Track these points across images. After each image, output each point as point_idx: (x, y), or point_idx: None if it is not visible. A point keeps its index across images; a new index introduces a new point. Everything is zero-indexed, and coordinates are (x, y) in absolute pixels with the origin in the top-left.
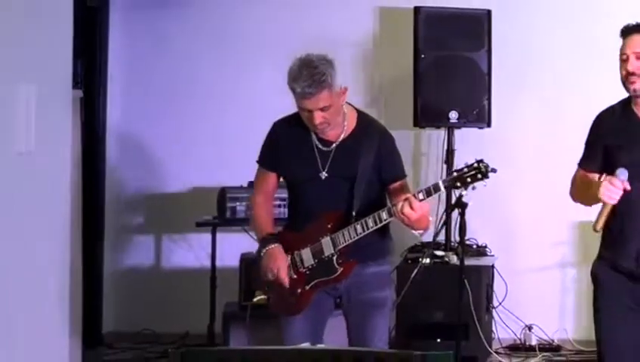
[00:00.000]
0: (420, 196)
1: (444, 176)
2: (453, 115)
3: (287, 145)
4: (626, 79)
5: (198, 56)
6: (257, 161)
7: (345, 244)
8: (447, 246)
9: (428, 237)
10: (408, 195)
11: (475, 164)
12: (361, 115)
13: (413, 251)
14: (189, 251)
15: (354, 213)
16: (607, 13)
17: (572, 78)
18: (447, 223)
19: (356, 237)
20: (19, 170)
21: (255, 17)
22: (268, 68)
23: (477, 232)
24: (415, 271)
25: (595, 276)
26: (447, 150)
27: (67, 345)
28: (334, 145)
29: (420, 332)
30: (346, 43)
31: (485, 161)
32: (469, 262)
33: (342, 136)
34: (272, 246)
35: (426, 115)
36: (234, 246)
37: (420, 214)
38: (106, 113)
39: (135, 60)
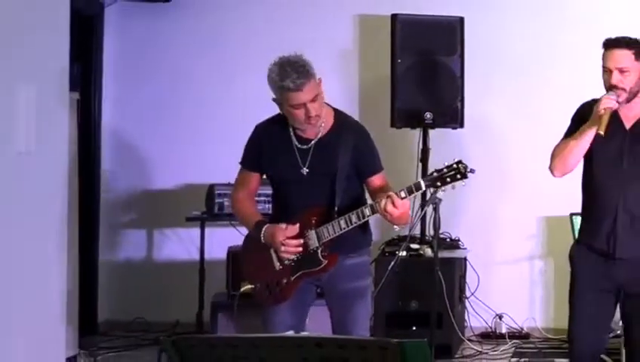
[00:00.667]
0: (402, 194)
1: (419, 174)
2: (428, 116)
3: (269, 145)
4: (610, 89)
5: (188, 61)
6: (240, 163)
7: (329, 238)
8: (422, 240)
9: (404, 231)
10: (390, 193)
11: (455, 165)
12: (338, 113)
13: (390, 244)
14: (179, 244)
15: (336, 208)
16: (572, 20)
17: (540, 81)
18: (422, 218)
19: (340, 232)
20: (19, 168)
21: (242, 26)
22: (255, 73)
23: (450, 226)
24: (392, 263)
25: (571, 258)
26: (423, 149)
27: (64, 332)
28: (312, 142)
29: (397, 320)
30: (328, 49)
31: (463, 161)
32: (443, 254)
33: (319, 134)
34: (267, 225)
35: (403, 116)
36: (221, 240)
37: (401, 211)
38: (100, 114)
39: (128, 64)
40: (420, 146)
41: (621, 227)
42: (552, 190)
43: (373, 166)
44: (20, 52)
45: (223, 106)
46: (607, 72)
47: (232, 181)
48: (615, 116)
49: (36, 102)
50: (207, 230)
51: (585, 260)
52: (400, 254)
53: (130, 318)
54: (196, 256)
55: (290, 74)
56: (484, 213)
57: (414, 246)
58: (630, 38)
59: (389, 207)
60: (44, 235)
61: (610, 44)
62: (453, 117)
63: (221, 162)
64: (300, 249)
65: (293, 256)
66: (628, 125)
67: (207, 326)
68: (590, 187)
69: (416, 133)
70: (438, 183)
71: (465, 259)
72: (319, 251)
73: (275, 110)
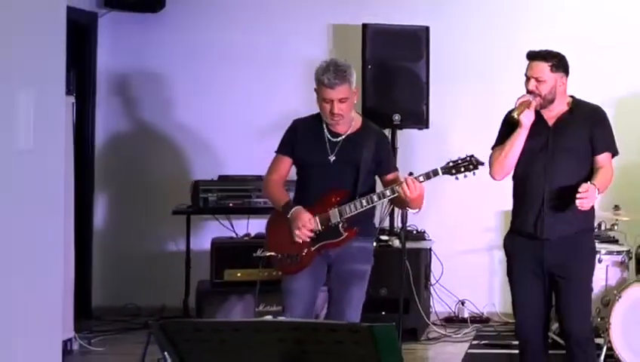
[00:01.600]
0: (421, 178)
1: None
2: (396, 118)
3: (304, 134)
4: (529, 93)
5: (173, 67)
6: (276, 151)
7: (350, 214)
8: (391, 232)
9: (375, 225)
10: (409, 176)
11: (468, 158)
12: (365, 120)
13: None
14: (167, 236)
15: (357, 195)
16: (528, 28)
17: (498, 85)
18: (391, 212)
19: (361, 209)
20: (20, 164)
21: (224, 35)
22: (236, 78)
23: (416, 220)
24: None
25: (505, 247)
26: (392, 148)
27: (61, 316)
28: (342, 137)
29: (367, 306)
30: (303, 56)
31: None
32: (410, 245)
33: (349, 132)
34: (296, 208)
35: (373, 118)
36: (206, 232)
37: (418, 193)
38: (94, 116)
39: (119, 70)
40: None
41: (547, 211)
42: (508, 187)
43: (391, 164)
44: (21, 59)
45: (206, 109)
46: (527, 80)
47: (215, 177)
48: (539, 116)
49: (35, 105)
50: (192, 223)
51: (516, 246)
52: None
53: (121, 304)
54: (182, 247)
55: (331, 72)
56: (447, 207)
57: (384, 237)
58: (549, 52)
59: (410, 186)
60: (43, 226)
61: (531, 56)
62: (419, 119)
63: (204, 161)
64: (308, 239)
65: (305, 238)
66: (550, 123)
67: (193, 311)
68: (521, 178)
69: (386, 133)
70: (454, 171)
71: (430, 249)
72: (340, 225)
73: (263, 112)
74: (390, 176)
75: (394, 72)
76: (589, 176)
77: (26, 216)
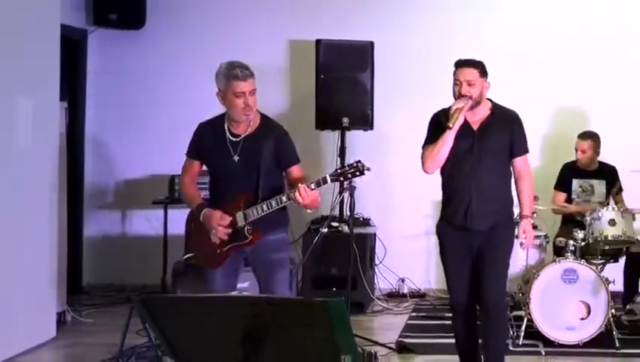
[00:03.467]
0: (312, 186)
1: (338, 166)
2: (345, 121)
3: (208, 138)
4: (459, 96)
5: (154, 75)
6: (186, 154)
7: (253, 218)
8: (340, 219)
9: (326, 212)
10: (302, 185)
11: (355, 164)
12: (264, 117)
13: (315, 223)
14: (147, 223)
15: (260, 195)
16: (460, 42)
17: (434, 92)
18: (340, 201)
19: (262, 213)
20: (20, 159)
21: (196, 48)
22: (205, 85)
23: (363, 208)
24: (316, 237)
25: (437, 232)
26: (341, 147)
27: (55, 292)
28: (242, 136)
29: (320, 283)
30: (266, 67)
31: (363, 160)
32: (357, 230)
33: (248, 131)
34: (206, 209)
35: (325, 121)
36: (181, 219)
37: (310, 199)
38: (84, 119)
39: (106, 80)
40: (339, 145)
41: (475, 206)
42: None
43: (290, 158)
44: (21, 70)
45: (181, 113)
46: (458, 84)
47: None
48: (464, 120)
49: (33, 109)
50: (169, 211)
51: (448, 233)
52: (323, 230)
53: (108, 281)
54: (161, 232)
55: (238, 66)
56: (389, 197)
57: (334, 224)
58: (476, 60)
59: (301, 194)
60: (40, 214)
61: (462, 64)
62: (365, 121)
63: (179, 158)
64: (226, 237)
65: (222, 238)
66: (475, 127)
67: (169, 287)
68: (450, 176)
69: (336, 134)
70: (341, 178)
71: (374, 234)
72: (245, 228)
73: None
74: (294, 171)
75: (343, 81)
76: (508, 173)
77: (25, 205)
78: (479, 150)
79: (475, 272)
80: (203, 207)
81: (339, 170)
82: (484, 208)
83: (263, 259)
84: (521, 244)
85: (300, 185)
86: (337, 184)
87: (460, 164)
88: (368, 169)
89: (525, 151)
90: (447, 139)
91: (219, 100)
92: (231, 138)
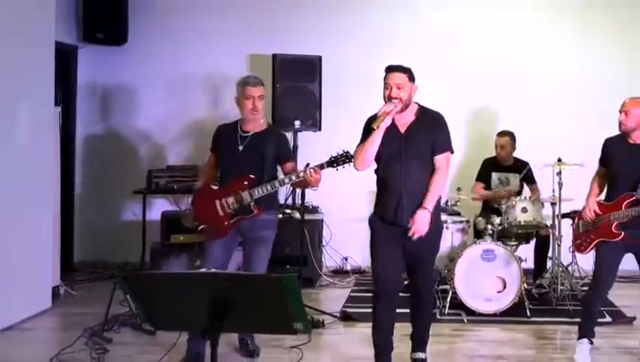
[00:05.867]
0: (317, 168)
1: (332, 155)
2: (297, 123)
3: (224, 135)
4: (389, 100)
5: (134, 84)
6: (210, 150)
7: (259, 196)
8: (293, 207)
9: (282, 200)
10: (312, 166)
11: (344, 153)
12: (270, 125)
13: None
14: (129, 209)
15: (264, 179)
16: (397, 55)
17: (373, 99)
18: (293, 192)
19: (267, 192)
20: (21, 156)
21: (171, 62)
22: (179, 93)
23: (312, 197)
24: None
25: (370, 224)
26: (293, 146)
27: (50, 268)
28: (250, 133)
29: (276, 262)
30: (230, 77)
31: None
32: (307, 217)
33: (256, 130)
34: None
35: (280, 123)
36: (157, 207)
37: (316, 178)
38: (75, 123)
39: (94, 88)
40: (292, 144)
41: (404, 203)
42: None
43: (288, 155)
44: (21, 79)
45: (157, 117)
46: (388, 87)
47: (164, 167)
48: (393, 124)
49: (31, 113)
50: (147, 200)
51: (379, 227)
52: (278, 216)
53: (95, 259)
54: (140, 218)
55: (252, 77)
56: (334, 189)
57: (288, 211)
58: (405, 66)
59: (310, 175)
60: (37, 202)
61: (393, 69)
62: (314, 124)
63: (157, 154)
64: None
65: (228, 210)
66: (402, 130)
67: (147, 265)
68: (383, 178)
69: (290, 134)
70: (334, 164)
71: (322, 220)
72: (251, 204)
73: (207, 120)
74: (288, 164)
75: (296, 90)
76: (432, 169)
77: (24, 194)
78: (406, 152)
79: (404, 265)
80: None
81: (332, 158)
82: (412, 206)
83: (255, 234)
84: (413, 234)
85: (309, 167)
86: (291, 178)
87: (391, 164)
88: (352, 157)
89: (446, 150)
90: (375, 140)
91: (235, 103)
92: (241, 134)
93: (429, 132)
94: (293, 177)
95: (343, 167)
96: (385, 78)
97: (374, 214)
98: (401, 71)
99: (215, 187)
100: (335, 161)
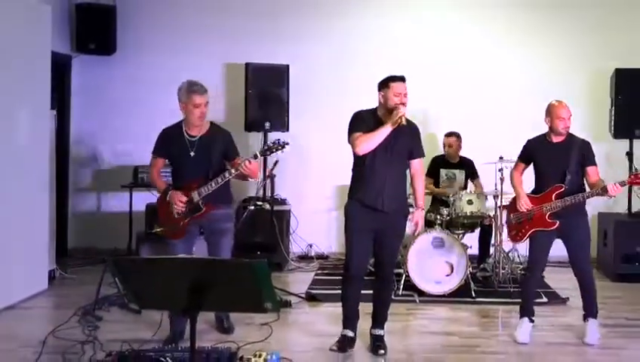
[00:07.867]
0: (251, 160)
1: (264, 145)
2: (267, 125)
3: (170, 139)
4: (400, 105)
5: (122, 91)
6: (152, 152)
7: (205, 194)
8: (264, 199)
9: (253, 193)
10: (244, 158)
11: (277, 141)
12: (212, 124)
13: (244, 201)
14: (117, 201)
15: (210, 178)
16: (360, 63)
17: (337, 104)
18: (264, 186)
19: (212, 189)
20: (20, 155)
21: (155, 69)
22: (161, 98)
23: (281, 191)
24: (245, 212)
25: (346, 210)
26: (263, 144)
27: (47, 254)
28: (197, 137)
29: (248, 248)
30: (206, 84)
31: (280, 156)
32: (277, 208)
33: (202, 133)
34: (171, 191)
35: (252, 125)
36: (142, 199)
37: (252, 169)
38: (69, 125)
39: (87, 93)
40: (263, 143)
41: (387, 191)
42: (341, 170)
43: (234, 152)
44: (21, 85)
45: (142, 119)
46: (398, 95)
47: (149, 164)
48: (381, 123)
49: (30, 116)
50: (133, 193)
51: (357, 211)
52: (250, 208)
53: (87, 246)
54: (127, 209)
55: (197, 85)
56: (301, 183)
57: (259, 203)
58: (404, 76)
59: (245, 167)
60: (35, 194)
61: (401, 79)
62: (282, 125)
63: (143, 153)
64: (184, 209)
65: (180, 210)
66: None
67: (134, 251)
68: (370, 167)
69: (260, 135)
70: (267, 153)
71: (289, 210)
72: (200, 202)
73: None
74: (236, 160)
75: (266, 95)
76: (405, 171)
77: (24, 187)
78: (392, 149)
79: (371, 244)
80: (168, 190)
81: (266, 147)
82: (392, 195)
83: (214, 227)
84: (415, 230)
85: (242, 159)
86: (263, 174)
87: (378, 156)
88: (287, 143)
89: (421, 155)
90: (384, 134)
91: (180, 109)
92: (189, 138)
93: (408, 137)
94: (233, 171)
95: (277, 154)
96: (394, 86)
97: (351, 200)
98: (405, 81)
99: (179, 193)
100: (268, 150)
